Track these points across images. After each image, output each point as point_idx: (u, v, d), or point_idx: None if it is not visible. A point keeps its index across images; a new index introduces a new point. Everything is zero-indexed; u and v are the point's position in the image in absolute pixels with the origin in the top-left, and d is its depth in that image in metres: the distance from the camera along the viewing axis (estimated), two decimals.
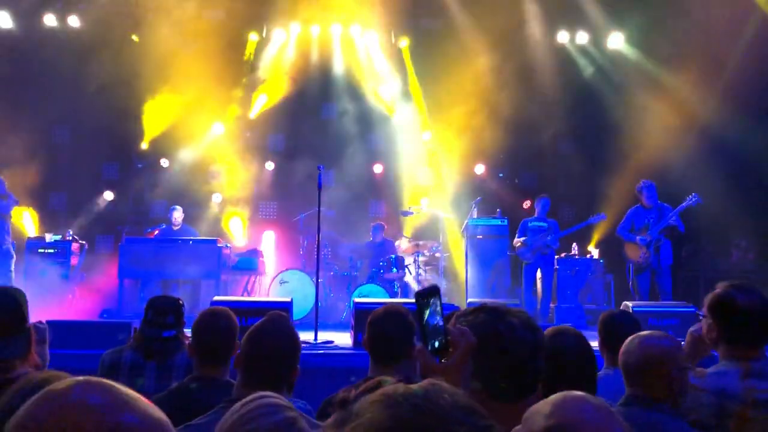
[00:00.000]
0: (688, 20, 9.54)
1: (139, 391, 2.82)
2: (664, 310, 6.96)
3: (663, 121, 10.54)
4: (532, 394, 1.58)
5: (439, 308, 1.37)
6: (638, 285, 8.33)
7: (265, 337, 2.23)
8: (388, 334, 2.65)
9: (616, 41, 11.40)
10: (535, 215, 9.35)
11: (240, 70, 11.89)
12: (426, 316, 1.35)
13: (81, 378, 0.92)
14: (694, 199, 7.98)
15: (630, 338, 2.38)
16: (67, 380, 0.91)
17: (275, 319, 2.31)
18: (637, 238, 8.23)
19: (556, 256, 9.72)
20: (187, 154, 11.62)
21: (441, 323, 1.38)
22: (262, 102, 11.92)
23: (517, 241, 9.29)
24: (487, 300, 7.90)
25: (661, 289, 8.16)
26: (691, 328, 2.92)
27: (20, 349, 2.18)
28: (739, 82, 9.98)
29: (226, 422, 1.45)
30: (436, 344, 1.36)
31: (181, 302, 3.60)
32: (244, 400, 1.50)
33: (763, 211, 9.83)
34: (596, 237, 10.90)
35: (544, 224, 9.15)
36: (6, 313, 2.19)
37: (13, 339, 2.17)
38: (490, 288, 9.95)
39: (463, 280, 10.39)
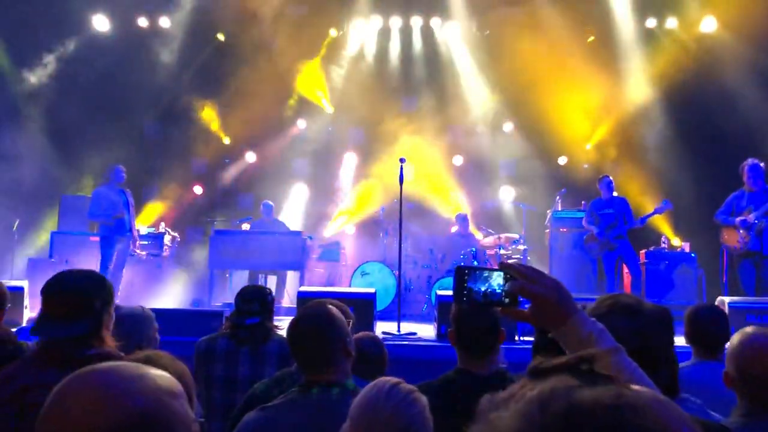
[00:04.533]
0: None
1: (234, 376, 2.95)
2: (765, 306, 6.54)
3: (762, 104, 9.95)
4: None
5: (478, 277, 1.36)
6: (739, 276, 7.50)
7: (299, 324, 2.30)
8: (477, 327, 2.62)
9: (709, 25, 10.84)
10: (602, 197, 8.71)
11: (321, 64, 12.09)
12: (478, 287, 1.36)
13: None
14: None
15: (739, 344, 2.23)
16: None
17: (312, 305, 2.39)
18: (737, 219, 7.40)
19: (645, 250, 9.35)
20: (271, 149, 11.94)
21: (482, 285, 1.37)
22: (343, 96, 12.07)
23: (587, 226, 8.70)
24: (578, 294, 7.68)
25: (765, 283, 7.30)
26: None
27: (85, 329, 2.24)
28: None
29: (375, 414, 1.60)
30: (506, 300, 1.34)
31: (268, 291, 3.71)
32: (380, 391, 1.65)
33: None
34: (667, 227, 10.41)
35: (612, 209, 8.55)
36: (71, 296, 2.26)
37: (78, 321, 2.23)
38: (575, 282, 9.71)
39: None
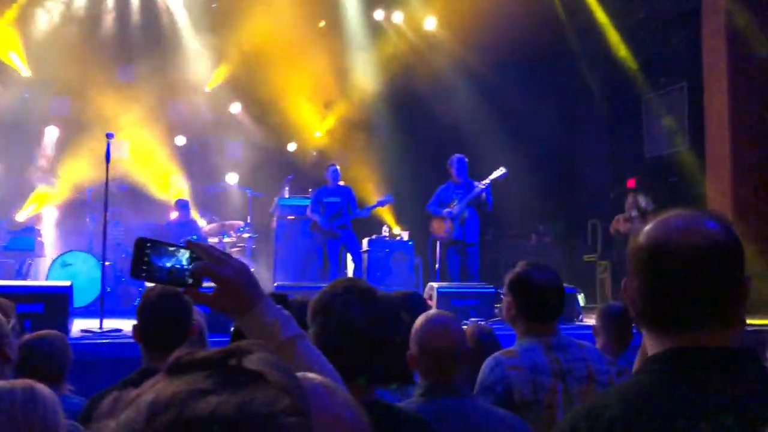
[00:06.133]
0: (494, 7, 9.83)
1: None
2: (466, 291, 7.14)
3: (470, 103, 10.85)
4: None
5: (163, 252, 1.23)
6: (447, 263, 8.17)
7: None
8: (162, 319, 2.42)
9: (431, 23, 11.47)
10: (328, 186, 8.79)
11: (16, 20, 10.31)
12: (162, 263, 1.22)
13: None
14: (502, 173, 7.89)
15: (421, 325, 2.25)
16: None
17: None
18: (444, 210, 7.99)
19: (367, 238, 9.60)
20: None
21: (166, 261, 1.23)
22: (44, 59, 10.44)
23: (311, 215, 8.66)
24: (302, 283, 7.54)
25: (468, 270, 8.03)
26: None
27: None
28: (542, 69, 10.68)
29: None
30: (190, 281, 1.23)
31: None
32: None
33: (561, 197, 10.61)
34: (389, 216, 10.95)
35: (338, 198, 8.66)
36: None
37: None
38: (300, 270, 9.63)
39: (272, 263, 10.01)
